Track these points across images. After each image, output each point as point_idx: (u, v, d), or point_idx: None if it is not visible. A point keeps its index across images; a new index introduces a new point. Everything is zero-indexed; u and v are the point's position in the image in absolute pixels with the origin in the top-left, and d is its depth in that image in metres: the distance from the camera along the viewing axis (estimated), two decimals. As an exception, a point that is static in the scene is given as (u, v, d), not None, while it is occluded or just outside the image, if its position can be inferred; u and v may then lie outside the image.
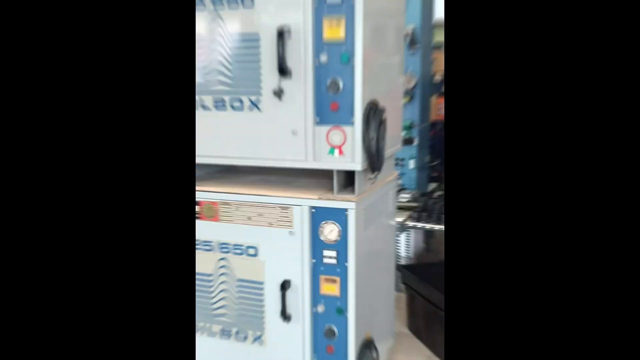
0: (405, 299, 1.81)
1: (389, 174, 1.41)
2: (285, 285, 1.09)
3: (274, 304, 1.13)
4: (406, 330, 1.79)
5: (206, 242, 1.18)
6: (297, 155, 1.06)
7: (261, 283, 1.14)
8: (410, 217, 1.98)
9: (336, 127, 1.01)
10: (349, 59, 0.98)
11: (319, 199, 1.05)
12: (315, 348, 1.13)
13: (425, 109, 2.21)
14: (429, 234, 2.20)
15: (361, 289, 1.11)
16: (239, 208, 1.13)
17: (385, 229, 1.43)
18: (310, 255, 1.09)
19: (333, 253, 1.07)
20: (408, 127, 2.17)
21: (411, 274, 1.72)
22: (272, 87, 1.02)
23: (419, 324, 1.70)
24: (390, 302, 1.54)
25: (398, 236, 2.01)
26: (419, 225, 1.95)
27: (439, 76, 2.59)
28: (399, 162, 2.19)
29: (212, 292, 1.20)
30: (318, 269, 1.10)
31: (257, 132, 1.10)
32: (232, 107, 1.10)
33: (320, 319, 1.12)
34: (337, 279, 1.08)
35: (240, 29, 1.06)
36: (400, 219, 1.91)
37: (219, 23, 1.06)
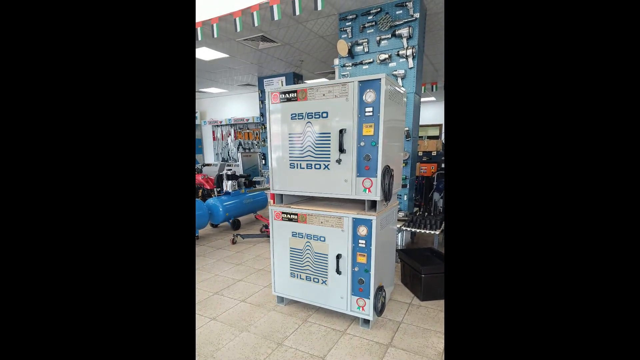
0: (400, 266, 2.84)
1: (394, 202, 2.34)
2: (338, 257, 2.04)
3: (333, 265, 2.09)
4: (400, 283, 2.82)
5: (300, 233, 2.19)
6: (347, 191, 1.98)
7: (326, 255, 2.11)
8: (403, 225, 3.22)
9: (367, 178, 1.91)
10: (375, 144, 1.86)
11: (358, 214, 1.96)
12: (353, 289, 2.05)
13: (413, 169, 3.62)
14: (413, 233, 3.82)
15: (377, 260, 1.96)
16: (317, 217, 2.11)
17: (391, 230, 2.34)
18: (351, 242, 2.01)
19: (364, 241, 1.94)
20: (404, 179, 3.45)
21: (403, 254, 2.75)
22: (335, 158, 1.96)
23: (406, 280, 2.73)
24: (392, 267, 2.49)
25: (397, 234, 3.25)
26: (408, 229, 3.17)
27: (420, 153, 4.77)
28: (399, 196, 3.56)
29: (302, 258, 2.21)
30: (355, 249, 1.99)
31: (327, 179, 2.03)
32: (315, 167, 2.06)
33: (355, 274, 2.01)
34: (365, 254, 1.95)
35: (320, 129, 1.98)
36: (398, 225, 3.16)
37: (309, 125, 2.03)
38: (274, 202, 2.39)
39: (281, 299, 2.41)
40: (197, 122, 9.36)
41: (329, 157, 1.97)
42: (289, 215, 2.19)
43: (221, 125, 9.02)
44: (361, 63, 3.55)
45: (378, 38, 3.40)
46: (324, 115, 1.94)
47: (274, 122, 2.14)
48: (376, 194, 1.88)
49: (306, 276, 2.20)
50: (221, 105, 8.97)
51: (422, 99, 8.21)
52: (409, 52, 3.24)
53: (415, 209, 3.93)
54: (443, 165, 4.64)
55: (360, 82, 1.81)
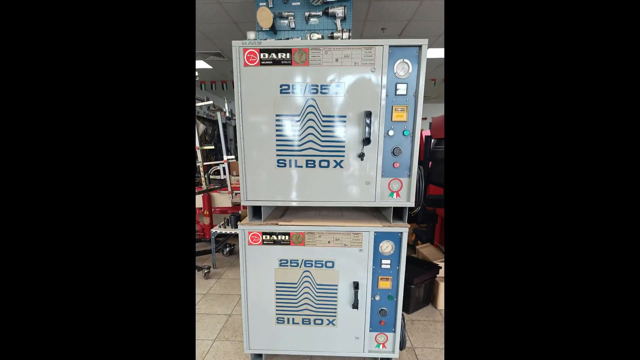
0: None
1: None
2: (356, 286, 1.45)
3: (345, 299, 1.48)
4: None
5: (293, 261, 1.45)
6: (369, 197, 1.39)
7: (335, 286, 1.47)
8: None
9: (396, 178, 1.40)
10: (409, 134, 1.34)
11: (383, 226, 1.42)
12: (372, 324, 1.51)
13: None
14: None
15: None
16: (322, 235, 1.44)
17: None
18: (372, 264, 1.45)
19: (388, 261, 1.44)
20: None
21: None
22: (356, 152, 1.35)
23: None
24: None
25: None
26: None
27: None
28: None
29: (296, 296, 1.48)
30: (376, 272, 1.46)
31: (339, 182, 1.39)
32: (321, 165, 1.40)
33: (376, 305, 1.49)
34: (390, 277, 1.46)
35: (330, 111, 1.32)
36: None
37: (312, 104, 1.34)
38: (241, 219, 1.58)
39: (258, 356, 1.63)
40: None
41: (344, 152, 1.35)
42: (275, 237, 1.45)
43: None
44: (287, 40, 2.90)
45: (307, 14, 2.82)
46: (337, 90, 1.31)
47: (249, 97, 1.34)
48: (408, 199, 1.40)
49: (302, 319, 1.52)
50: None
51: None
52: (345, 35, 2.84)
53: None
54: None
55: (391, 46, 1.27)
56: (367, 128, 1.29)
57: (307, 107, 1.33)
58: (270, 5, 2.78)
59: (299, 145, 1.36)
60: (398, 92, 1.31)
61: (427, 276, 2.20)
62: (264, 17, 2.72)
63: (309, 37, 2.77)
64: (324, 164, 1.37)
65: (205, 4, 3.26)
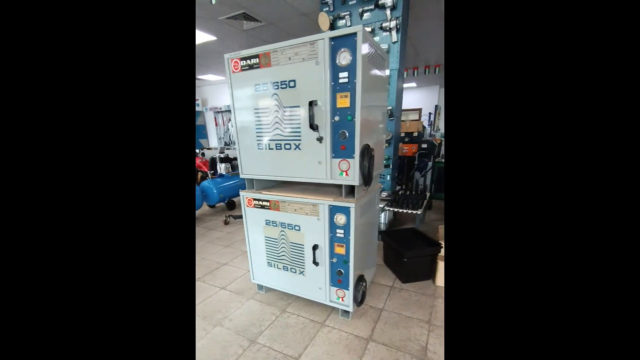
0: (383, 247, 2.34)
1: (375, 185, 1.76)
2: (315, 247, 1.52)
3: (309, 256, 1.58)
4: (382, 263, 2.33)
5: (273, 222, 1.64)
6: (322, 175, 1.40)
7: (302, 245, 1.59)
8: (386, 204, 2.71)
9: (344, 159, 1.35)
10: (352, 119, 1.27)
11: (334, 200, 1.42)
12: (331, 280, 1.56)
13: (395, 149, 2.98)
14: (396, 213, 3.28)
15: (357, 250, 1.47)
16: (290, 204, 1.57)
17: (373, 215, 1.80)
18: (329, 232, 1.48)
19: (342, 231, 1.44)
20: (387, 159, 2.83)
21: (386, 235, 2.23)
22: (308, 136, 1.38)
23: (389, 260, 2.24)
24: (374, 249, 1.98)
25: (380, 214, 2.82)
26: (391, 208, 2.70)
27: (402, 134, 4.02)
28: (382, 176, 2.92)
29: (277, 248, 1.70)
30: (333, 239, 1.48)
31: (300, 162, 1.44)
32: (285, 147, 1.48)
33: (334, 266, 1.52)
34: (344, 245, 1.45)
35: (288, 102, 1.37)
36: (381, 205, 2.66)
37: (276, 98, 1.42)
38: (247, 187, 1.85)
39: (261, 286, 1.95)
40: (200, 109, 8.57)
41: (300, 136, 1.40)
42: (260, 202, 1.66)
43: (221, 112, 8.26)
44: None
45: (360, 10, 2.69)
46: (291, 84, 1.35)
47: (237, 95, 1.54)
48: (354, 178, 1.34)
49: (283, 266, 1.72)
50: (220, 92, 8.18)
51: (404, 84, 7.42)
52: (393, 24, 2.55)
53: (398, 187, 3.41)
54: (423, 146, 4.11)
55: (332, 38, 1.20)
56: (311, 116, 1.30)
57: (273, 101, 1.43)
58: (331, 9, 2.82)
59: (270, 132, 1.49)
60: (341, 81, 1.24)
61: (423, 252, 1.98)
62: (322, 21, 2.82)
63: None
64: (287, 146, 1.46)
65: (297, 17, 3.40)
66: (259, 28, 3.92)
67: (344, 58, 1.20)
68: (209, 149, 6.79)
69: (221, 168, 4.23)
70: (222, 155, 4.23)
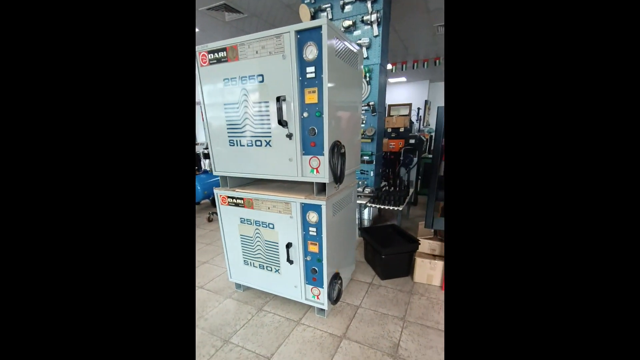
0: (363, 244, 2.33)
1: (350, 182, 1.73)
2: (288, 245, 1.50)
3: (284, 255, 1.55)
4: (363, 260, 2.33)
5: (248, 220, 1.61)
6: (293, 173, 1.36)
7: (277, 243, 1.57)
8: (370, 200, 2.63)
9: (314, 156, 1.32)
10: (320, 115, 1.24)
11: (306, 198, 1.39)
12: (306, 278, 1.55)
13: (379, 145, 2.97)
14: (380, 209, 2.98)
15: (332, 248, 1.46)
16: (263, 202, 1.53)
17: (349, 212, 1.78)
18: (302, 230, 1.46)
19: (314, 229, 1.42)
20: (370, 155, 2.82)
21: (365, 232, 2.23)
22: (277, 133, 1.34)
23: (369, 257, 2.24)
24: (352, 247, 1.97)
25: (363, 210, 2.81)
26: (374, 205, 2.58)
27: (389, 129, 3.91)
28: (365, 172, 2.87)
29: (253, 246, 1.67)
30: (306, 237, 1.46)
31: (271, 159, 1.40)
32: (256, 144, 1.44)
33: (308, 264, 1.51)
34: (317, 243, 1.43)
35: (256, 98, 1.32)
36: (364, 202, 2.59)
37: (245, 93, 1.38)
38: (222, 185, 1.80)
39: (239, 285, 1.92)
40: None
41: (270, 132, 1.36)
42: (235, 200, 1.62)
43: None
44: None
45: (342, 2, 2.63)
46: (259, 79, 1.30)
47: (207, 89, 1.48)
48: (325, 176, 1.31)
49: (259, 264, 1.69)
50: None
51: (392, 80, 7.37)
52: (374, 17, 2.50)
53: (384, 183, 3.40)
54: (411, 141, 4.11)
55: (298, 32, 1.16)
56: (279, 112, 1.26)
57: (242, 96, 1.38)
58: (312, 1, 2.74)
59: (241, 128, 1.45)
60: (308, 76, 1.20)
61: (401, 249, 1.99)
62: (303, 13, 2.77)
63: (342, 26, 2.64)
64: (259, 143, 1.42)
65: (280, 8, 3.31)
66: (242, 20, 3.81)
67: (310, 52, 1.16)
68: (196, 144, 6.65)
69: (205, 164, 4.15)
70: (206, 151, 4.13)
